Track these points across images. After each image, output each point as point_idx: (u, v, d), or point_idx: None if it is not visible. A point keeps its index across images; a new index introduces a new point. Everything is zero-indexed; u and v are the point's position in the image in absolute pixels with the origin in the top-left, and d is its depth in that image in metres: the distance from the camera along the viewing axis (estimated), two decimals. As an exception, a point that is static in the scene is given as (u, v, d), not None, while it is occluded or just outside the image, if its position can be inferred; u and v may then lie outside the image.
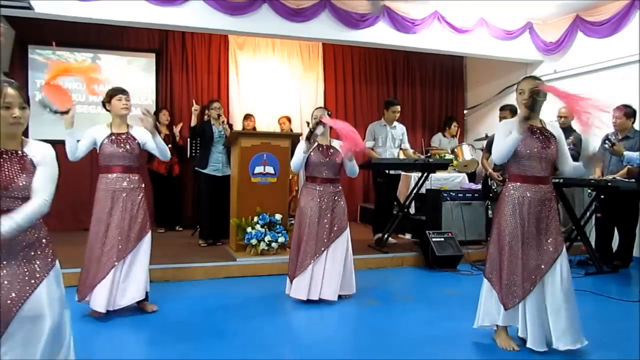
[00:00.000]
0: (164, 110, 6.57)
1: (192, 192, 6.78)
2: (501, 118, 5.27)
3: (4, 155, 1.95)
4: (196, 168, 5.65)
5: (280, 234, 4.85)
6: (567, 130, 5.93)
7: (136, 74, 6.95)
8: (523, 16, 6.48)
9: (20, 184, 1.93)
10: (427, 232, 5.12)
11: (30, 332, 1.88)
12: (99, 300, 3.27)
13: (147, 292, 3.51)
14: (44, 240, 2.01)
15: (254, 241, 4.79)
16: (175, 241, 5.79)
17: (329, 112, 3.92)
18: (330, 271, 3.78)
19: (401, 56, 7.97)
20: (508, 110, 5.24)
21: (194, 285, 4.31)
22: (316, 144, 3.86)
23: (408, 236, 6.23)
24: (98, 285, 3.27)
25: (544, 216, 2.86)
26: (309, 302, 3.78)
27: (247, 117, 6.73)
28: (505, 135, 2.89)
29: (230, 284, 4.42)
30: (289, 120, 6.94)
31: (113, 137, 3.41)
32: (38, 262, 1.97)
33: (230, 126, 5.96)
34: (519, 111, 2.94)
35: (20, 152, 1.98)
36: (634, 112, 4.99)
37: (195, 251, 5.20)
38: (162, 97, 7.03)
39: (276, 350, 3.00)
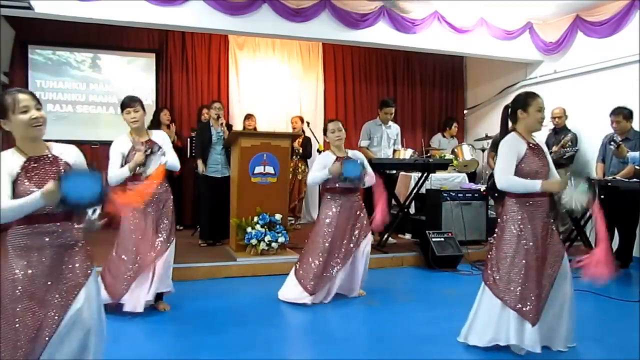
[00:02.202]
0: (164, 110, 6.56)
1: (192, 193, 6.78)
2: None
3: (39, 161, 2.00)
4: (196, 170, 5.65)
5: (280, 234, 4.85)
6: (562, 130, 5.95)
7: (136, 74, 6.95)
8: (523, 16, 6.48)
9: None
10: (427, 232, 5.12)
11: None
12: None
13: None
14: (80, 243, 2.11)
15: (254, 241, 4.79)
16: (175, 241, 5.77)
17: (340, 121, 4.02)
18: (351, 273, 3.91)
19: (401, 56, 7.96)
20: None
21: (194, 285, 4.31)
22: (335, 156, 3.87)
23: (408, 236, 6.23)
24: None
25: (549, 227, 2.89)
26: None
27: (248, 117, 6.72)
28: (513, 156, 2.82)
29: (230, 284, 4.42)
30: (302, 120, 6.84)
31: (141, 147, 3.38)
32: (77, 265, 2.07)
33: (230, 127, 5.95)
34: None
35: (51, 155, 2.04)
36: (631, 113, 4.99)
37: (195, 251, 5.20)
38: (162, 97, 7.03)
39: (276, 350, 3.00)
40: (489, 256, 2.96)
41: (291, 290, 3.85)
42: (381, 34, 5.98)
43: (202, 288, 4.25)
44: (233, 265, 4.71)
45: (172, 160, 3.41)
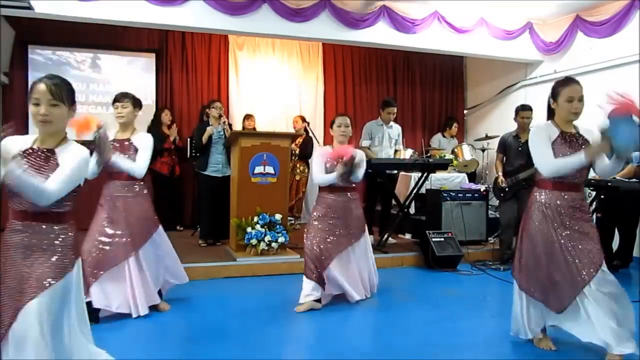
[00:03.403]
0: (166, 110, 6.56)
1: (193, 192, 6.78)
2: (523, 118, 5.01)
3: (33, 154, 1.93)
4: (196, 170, 5.66)
5: (280, 234, 4.85)
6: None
7: (136, 74, 6.95)
8: (523, 16, 6.48)
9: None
10: (427, 232, 5.12)
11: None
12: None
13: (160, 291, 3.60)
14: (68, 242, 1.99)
15: (254, 241, 4.79)
16: (175, 241, 5.68)
17: (349, 117, 3.95)
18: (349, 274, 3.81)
19: (401, 56, 7.97)
20: (529, 111, 5.05)
21: (194, 285, 4.30)
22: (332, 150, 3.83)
23: (408, 236, 6.23)
24: None
25: (575, 224, 2.72)
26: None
27: (248, 117, 6.73)
28: (544, 141, 2.71)
29: (230, 284, 4.42)
30: (303, 119, 6.84)
31: (115, 144, 3.35)
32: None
33: (230, 126, 5.95)
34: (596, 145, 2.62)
35: (50, 151, 1.95)
36: None
37: (195, 251, 5.20)
38: (162, 97, 7.03)
39: (276, 350, 3.00)
40: (516, 249, 2.92)
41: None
42: (381, 34, 5.98)
43: (202, 288, 4.25)
44: (233, 265, 4.71)
45: (128, 163, 3.26)
